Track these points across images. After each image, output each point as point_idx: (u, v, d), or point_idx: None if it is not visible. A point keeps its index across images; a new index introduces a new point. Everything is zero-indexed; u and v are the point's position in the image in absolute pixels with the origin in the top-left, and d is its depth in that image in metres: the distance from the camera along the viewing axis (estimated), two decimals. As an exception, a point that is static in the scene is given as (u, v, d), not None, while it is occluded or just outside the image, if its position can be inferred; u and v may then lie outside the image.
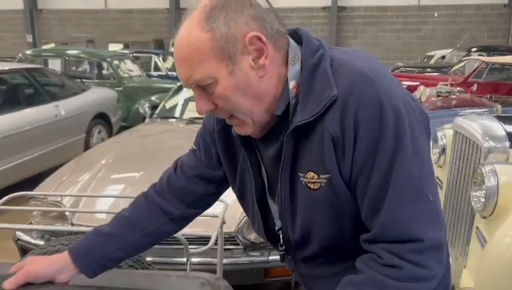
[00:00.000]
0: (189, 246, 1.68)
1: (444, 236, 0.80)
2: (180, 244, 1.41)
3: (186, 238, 1.35)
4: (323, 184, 0.80)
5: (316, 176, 0.81)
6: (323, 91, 0.77)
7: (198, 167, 1.02)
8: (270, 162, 0.89)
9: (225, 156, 0.96)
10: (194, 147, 1.04)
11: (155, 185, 1.07)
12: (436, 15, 15.64)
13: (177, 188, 1.03)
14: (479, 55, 9.66)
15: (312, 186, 0.82)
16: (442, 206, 2.27)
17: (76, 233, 1.71)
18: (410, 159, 0.75)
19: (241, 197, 0.99)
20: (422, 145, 0.78)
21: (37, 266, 0.95)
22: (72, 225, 2.22)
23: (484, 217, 1.78)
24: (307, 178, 0.82)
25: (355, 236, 0.83)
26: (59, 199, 2.30)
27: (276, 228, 0.92)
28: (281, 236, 0.92)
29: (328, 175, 0.79)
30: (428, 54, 13.77)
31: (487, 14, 15.42)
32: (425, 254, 0.75)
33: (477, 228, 1.89)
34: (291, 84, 0.81)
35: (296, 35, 0.85)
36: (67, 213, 2.24)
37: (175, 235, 1.31)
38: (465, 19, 15.43)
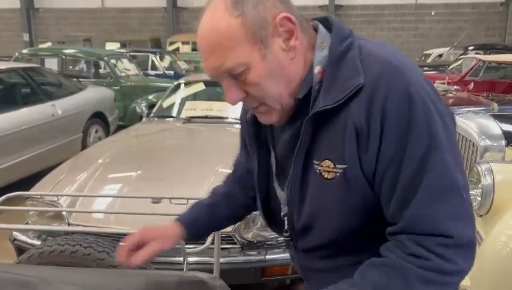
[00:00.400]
0: (186, 246, 1.68)
1: (474, 234, 0.76)
2: (177, 243, 1.41)
3: (182, 237, 1.35)
4: (338, 174, 0.77)
5: (332, 165, 0.78)
6: (349, 78, 0.75)
7: (244, 162, 1.07)
8: (284, 147, 0.87)
9: (245, 142, 0.99)
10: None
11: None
12: (433, 13, 15.66)
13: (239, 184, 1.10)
14: (475, 53, 9.67)
15: (326, 175, 0.79)
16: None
17: (73, 233, 1.70)
18: (446, 149, 0.72)
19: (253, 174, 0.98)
20: (453, 135, 0.76)
21: (151, 230, 1.03)
22: (69, 224, 2.21)
23: (480, 216, 1.78)
24: (322, 166, 0.79)
25: (359, 233, 0.81)
26: (56, 198, 2.30)
27: (282, 214, 0.89)
28: (285, 223, 0.89)
29: (344, 166, 0.76)
30: (425, 52, 13.79)
31: (484, 13, 15.45)
32: (454, 250, 0.72)
33: (473, 226, 1.90)
34: (317, 69, 0.79)
35: (327, 22, 0.84)
36: (64, 213, 2.24)
37: (171, 234, 1.31)
38: (462, 18, 15.46)
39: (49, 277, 1.05)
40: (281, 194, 0.90)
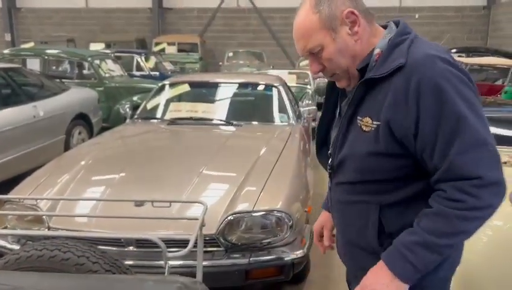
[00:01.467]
0: (170, 249, 1.66)
1: (503, 178, 1.00)
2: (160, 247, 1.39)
3: (164, 241, 1.33)
4: (373, 129, 1.06)
5: (370, 121, 1.06)
6: (396, 59, 1.03)
7: None
8: (344, 105, 1.17)
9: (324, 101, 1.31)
10: None
11: None
12: (417, 16, 15.86)
13: None
14: (458, 56, 9.82)
15: (364, 129, 1.08)
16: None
17: (53, 237, 1.66)
18: (470, 118, 0.97)
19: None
20: (476, 101, 1.01)
21: (322, 220, 1.40)
22: (49, 228, 2.17)
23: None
24: (362, 121, 1.08)
25: (374, 178, 1.08)
26: (35, 202, 2.25)
27: (328, 152, 1.23)
28: (329, 159, 1.21)
29: (378, 123, 1.04)
30: (409, 54, 13.94)
31: (467, 16, 15.71)
32: (484, 189, 0.96)
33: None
34: (376, 51, 1.09)
35: (398, 23, 1.14)
36: (44, 217, 2.19)
37: (152, 238, 1.29)
38: (446, 21, 15.70)
39: (25, 284, 1.02)
40: (333, 136, 1.21)
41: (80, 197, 2.34)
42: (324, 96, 1.30)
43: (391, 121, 1.02)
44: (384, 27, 1.15)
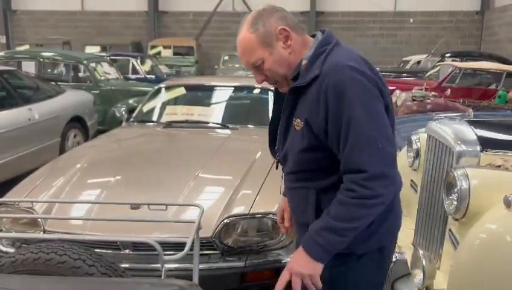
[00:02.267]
0: (166, 252, 1.65)
1: (394, 172, 1.22)
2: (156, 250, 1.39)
3: (160, 244, 1.33)
4: (301, 127, 1.27)
5: (299, 122, 1.28)
6: (314, 70, 1.25)
7: None
8: (283, 109, 1.38)
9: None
10: None
11: None
12: (411, 21, 15.97)
13: None
14: (452, 60, 9.89)
15: (296, 128, 1.29)
16: (416, 209, 2.32)
17: (49, 241, 1.65)
18: (363, 119, 1.18)
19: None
20: (375, 109, 1.21)
21: (282, 205, 1.59)
22: (45, 231, 2.16)
23: (456, 220, 1.81)
24: (295, 122, 1.30)
25: (308, 168, 1.31)
26: (31, 205, 2.24)
27: (275, 148, 1.47)
28: (277, 153, 1.45)
29: (303, 123, 1.27)
30: (404, 59, 14.03)
31: (460, 21, 15.84)
32: (371, 181, 1.17)
33: (450, 230, 1.92)
34: (304, 62, 1.29)
35: (323, 32, 1.34)
36: (39, 219, 2.18)
37: (148, 241, 1.29)
38: (440, 25, 15.82)
39: (21, 287, 1.01)
40: (279, 137, 1.42)
41: (75, 200, 2.33)
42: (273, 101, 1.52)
43: (309, 119, 1.25)
44: (313, 36, 1.35)
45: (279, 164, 1.47)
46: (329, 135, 1.22)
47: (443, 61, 9.92)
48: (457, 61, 9.71)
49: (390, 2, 15.93)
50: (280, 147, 1.41)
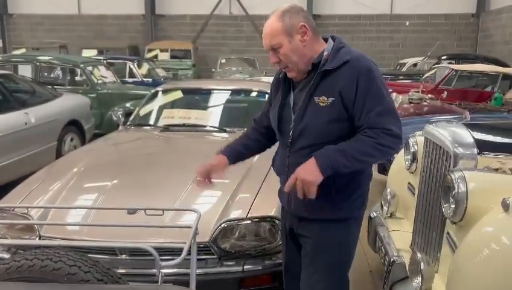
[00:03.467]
0: (163, 257, 1.63)
1: (402, 134, 1.60)
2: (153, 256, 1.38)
3: (157, 250, 1.32)
4: (328, 103, 1.59)
5: (325, 98, 1.59)
6: (343, 57, 1.60)
7: (265, 112, 1.89)
8: (298, 91, 1.68)
9: (273, 90, 1.82)
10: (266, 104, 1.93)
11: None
12: (407, 24, 16.03)
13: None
14: (448, 63, 9.93)
15: (321, 104, 1.59)
16: (414, 212, 2.32)
17: (44, 247, 1.64)
18: (386, 95, 1.59)
19: (271, 113, 1.78)
20: (385, 85, 1.63)
21: (213, 163, 1.85)
22: (40, 237, 2.14)
23: (454, 223, 1.81)
24: (319, 99, 1.60)
25: (329, 140, 1.58)
26: (26, 210, 2.22)
27: (290, 126, 1.67)
28: (291, 130, 1.66)
29: (333, 98, 1.58)
30: (400, 61, 14.08)
31: (456, 24, 15.91)
32: (389, 136, 1.55)
33: (447, 233, 1.92)
34: (325, 52, 1.63)
35: (334, 37, 1.69)
36: (35, 225, 2.16)
37: (145, 247, 1.28)
38: (435, 28, 15.88)
39: (16, 294, 1.00)
40: (292, 116, 1.68)
41: (71, 206, 2.31)
42: (272, 93, 1.82)
43: (342, 92, 1.56)
44: (325, 39, 1.68)
45: (289, 144, 1.68)
46: (356, 104, 1.55)
47: (439, 64, 9.95)
48: (453, 63, 9.74)
49: (386, 5, 15.98)
50: (297, 124, 1.64)
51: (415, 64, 12.99)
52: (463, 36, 15.95)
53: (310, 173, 1.52)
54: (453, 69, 7.90)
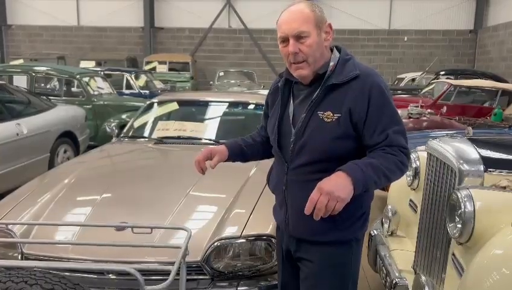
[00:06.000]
0: (151, 278, 1.53)
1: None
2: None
3: (144, 272, 1.22)
4: (333, 119, 1.46)
5: (331, 114, 1.46)
6: (351, 71, 1.49)
7: (263, 124, 1.81)
8: (299, 102, 1.56)
9: (270, 100, 1.70)
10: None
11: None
12: (405, 39, 16.12)
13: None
14: (447, 78, 9.92)
15: (326, 120, 1.47)
16: (416, 230, 2.22)
17: (20, 268, 1.53)
18: (397, 113, 1.50)
19: (269, 125, 1.67)
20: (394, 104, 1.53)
21: (214, 148, 1.74)
22: (23, 254, 2.02)
23: (460, 244, 1.71)
24: (324, 114, 1.47)
25: (330, 159, 1.47)
26: (6, 226, 2.10)
27: (291, 140, 1.53)
28: (291, 146, 1.53)
29: (339, 115, 1.46)
30: (398, 76, 14.11)
31: (454, 39, 16.01)
32: (404, 154, 1.46)
33: (453, 254, 1.82)
34: (331, 63, 1.52)
35: (339, 48, 1.59)
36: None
37: (129, 270, 1.18)
38: (433, 44, 15.97)
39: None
40: (291, 129, 1.55)
41: (56, 223, 2.19)
42: (268, 104, 1.72)
43: (352, 109, 1.44)
44: (331, 49, 1.57)
45: (287, 160, 1.56)
46: (368, 121, 1.44)
47: (438, 79, 9.94)
48: (451, 78, 9.73)
49: (384, 21, 16.09)
50: (296, 138, 1.52)
51: (413, 79, 13.00)
52: (461, 52, 16.03)
53: (342, 188, 1.30)
54: (451, 84, 7.87)
